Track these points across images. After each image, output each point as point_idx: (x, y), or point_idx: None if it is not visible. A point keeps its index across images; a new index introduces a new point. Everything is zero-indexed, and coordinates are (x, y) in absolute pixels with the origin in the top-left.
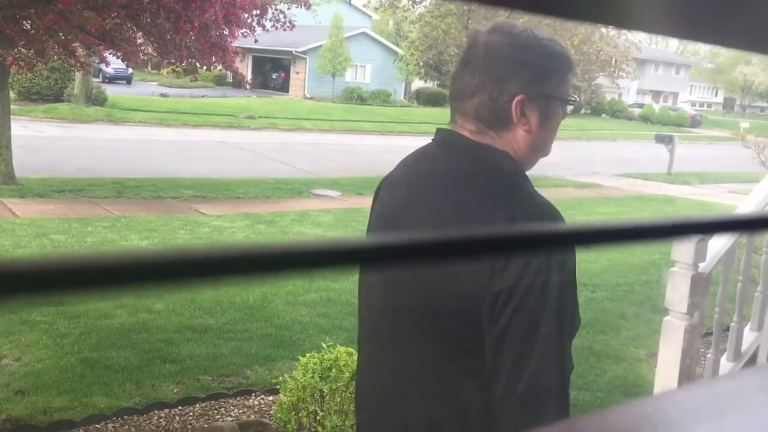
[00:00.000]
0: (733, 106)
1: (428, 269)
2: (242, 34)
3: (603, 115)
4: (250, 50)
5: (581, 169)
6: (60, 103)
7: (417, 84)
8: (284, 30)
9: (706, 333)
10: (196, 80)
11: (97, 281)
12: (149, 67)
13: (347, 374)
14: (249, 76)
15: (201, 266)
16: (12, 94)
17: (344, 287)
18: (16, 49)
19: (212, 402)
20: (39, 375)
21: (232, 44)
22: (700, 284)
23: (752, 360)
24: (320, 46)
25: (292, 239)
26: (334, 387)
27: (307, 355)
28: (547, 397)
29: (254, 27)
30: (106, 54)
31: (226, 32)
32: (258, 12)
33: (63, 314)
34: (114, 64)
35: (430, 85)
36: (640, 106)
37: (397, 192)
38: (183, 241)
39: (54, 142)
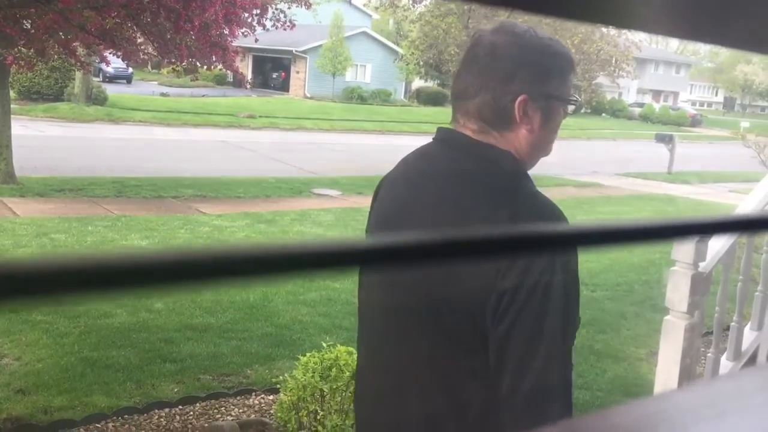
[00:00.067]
0: (733, 106)
1: (431, 269)
2: (242, 33)
3: (603, 114)
4: (250, 50)
5: (581, 169)
6: (60, 102)
7: (417, 83)
8: (284, 29)
9: (707, 332)
10: (197, 80)
11: (98, 282)
12: (149, 67)
13: (347, 373)
14: (249, 76)
15: (201, 267)
16: (12, 94)
17: (345, 287)
18: (16, 49)
19: (212, 401)
20: (39, 374)
21: (233, 44)
22: (700, 283)
23: (752, 359)
24: (320, 46)
25: (292, 239)
26: (334, 386)
27: (308, 354)
28: (552, 397)
29: (254, 26)
30: (107, 53)
31: (226, 31)
32: (258, 11)
33: (63, 314)
34: (114, 63)
35: (431, 84)
36: (641, 105)
37: (397, 191)
38: (183, 240)
39: (54, 142)
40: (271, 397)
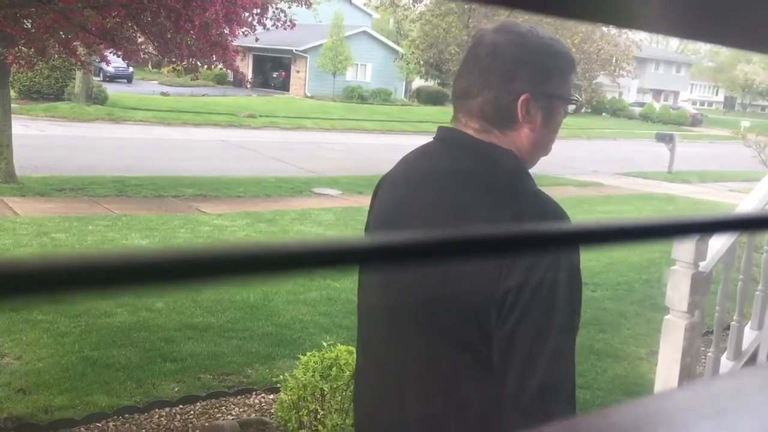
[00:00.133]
0: (733, 105)
1: (433, 268)
2: (243, 32)
3: (603, 113)
4: (250, 49)
5: (582, 168)
6: (61, 101)
7: (417, 83)
8: (285, 29)
9: (707, 332)
10: (197, 79)
11: (98, 281)
12: (150, 66)
13: (348, 373)
14: (249, 75)
15: (201, 266)
16: (13, 93)
17: (345, 286)
18: (16, 48)
19: (213, 400)
20: (40, 374)
21: (233, 43)
22: (700, 283)
23: (752, 359)
24: (321, 45)
25: (292, 238)
26: (334, 386)
27: (308, 353)
28: (558, 394)
29: (255, 26)
30: (107, 53)
31: (226, 31)
32: (258, 11)
33: (64, 313)
34: (115, 62)
35: (431, 83)
36: (641, 104)
37: (398, 190)
38: (183, 239)
39: (55, 141)
40: (271, 397)
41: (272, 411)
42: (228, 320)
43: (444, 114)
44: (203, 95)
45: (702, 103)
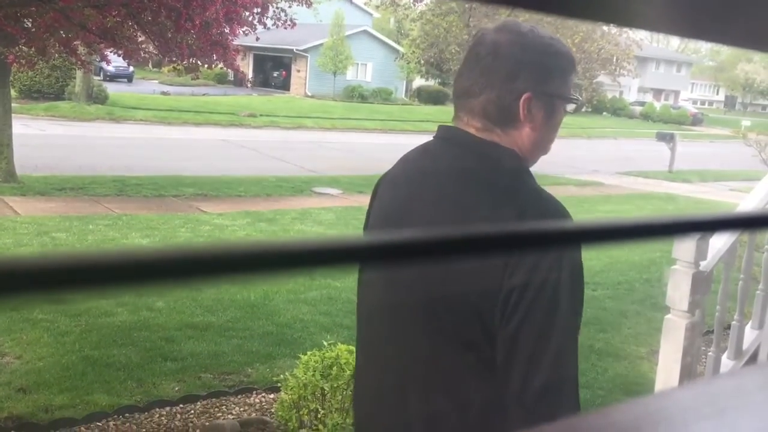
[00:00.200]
0: (734, 104)
1: (436, 267)
2: (243, 32)
3: (604, 113)
4: (251, 48)
5: (582, 168)
6: (61, 101)
7: (418, 82)
8: (285, 28)
9: (707, 331)
10: (197, 78)
11: (99, 279)
12: (150, 66)
13: (348, 372)
14: (250, 75)
15: (201, 265)
16: (13, 92)
17: (345, 285)
18: (17, 47)
19: (213, 400)
20: (40, 373)
21: (233, 42)
22: (701, 282)
23: (753, 358)
24: (321, 45)
25: (293, 237)
26: (335, 385)
27: (308, 353)
28: (562, 393)
29: (255, 25)
30: (107, 52)
31: (227, 30)
32: (259, 10)
33: (64, 312)
34: (115, 62)
35: (431, 83)
36: (642, 104)
37: (398, 189)
38: (184, 239)
39: (55, 140)
40: (272, 396)
41: (273, 410)
42: (228, 319)
43: (445, 113)
44: (204, 94)
45: (703, 103)
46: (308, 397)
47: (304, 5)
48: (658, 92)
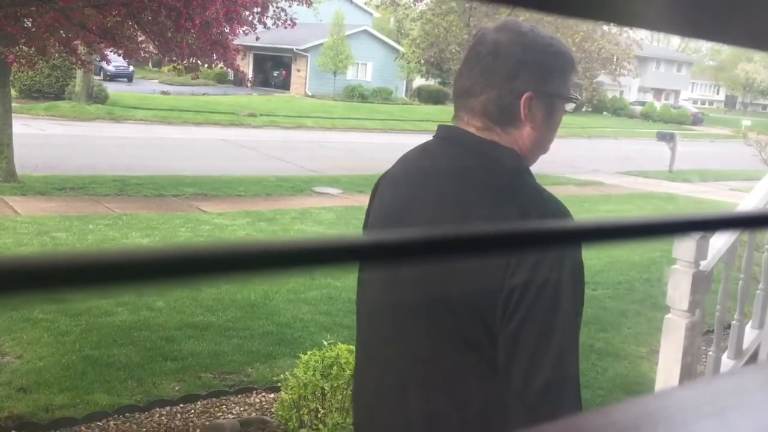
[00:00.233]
0: (734, 104)
1: (437, 266)
2: (243, 31)
3: (604, 112)
4: (251, 48)
5: (582, 167)
6: (61, 100)
7: (418, 82)
8: (285, 28)
9: (708, 331)
10: (198, 78)
11: (99, 279)
12: (150, 65)
13: (348, 372)
14: (250, 74)
15: (202, 264)
16: (13, 92)
17: (345, 285)
18: (17, 47)
19: (213, 399)
20: (41, 372)
21: (233, 42)
22: (701, 282)
23: (753, 358)
24: (321, 44)
25: (293, 237)
26: (335, 384)
27: (309, 352)
28: (563, 392)
29: (255, 24)
30: (108, 52)
31: (227, 30)
32: (259, 9)
33: (64, 312)
34: (115, 61)
35: (432, 82)
36: (642, 103)
37: (399, 189)
38: (184, 238)
39: (55, 140)
40: (272, 396)
41: (273, 410)
42: (228, 319)
43: (445, 113)
44: (204, 94)
45: (703, 102)
46: (308, 396)
47: (304, 5)
48: (658, 92)
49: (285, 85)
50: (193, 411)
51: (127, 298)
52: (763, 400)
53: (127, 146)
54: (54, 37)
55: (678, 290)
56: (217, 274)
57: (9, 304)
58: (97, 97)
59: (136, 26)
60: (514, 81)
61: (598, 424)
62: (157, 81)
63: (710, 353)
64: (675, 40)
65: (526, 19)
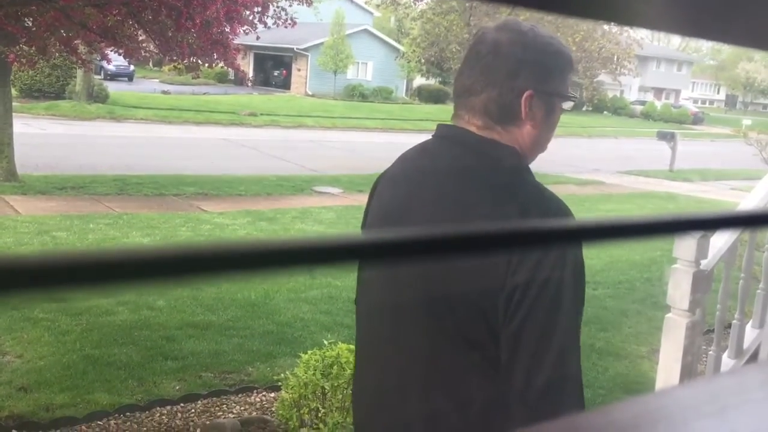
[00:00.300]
0: (735, 103)
1: (438, 265)
2: (244, 31)
3: (605, 112)
4: (251, 47)
5: (583, 167)
6: (62, 100)
7: (419, 81)
8: (286, 27)
9: (708, 330)
10: (198, 77)
11: (99, 278)
12: (151, 65)
13: (349, 371)
14: (250, 74)
15: (202, 263)
16: (14, 92)
17: (346, 284)
18: (17, 46)
19: (214, 399)
20: (41, 372)
21: (234, 41)
22: (701, 281)
23: (754, 357)
24: (322, 43)
25: (294, 236)
26: (335, 384)
27: (309, 352)
28: (565, 390)
29: (256, 24)
30: (108, 51)
31: (227, 29)
32: (259, 9)
33: (65, 311)
34: (115, 61)
35: (432, 82)
36: (642, 103)
37: (398, 188)
38: (184, 238)
39: (56, 139)
40: (272, 395)
41: (273, 409)
42: (229, 318)
43: (445, 112)
44: (204, 93)
45: (703, 102)
46: (309, 396)
47: (305, 4)
48: (658, 91)
49: (285, 84)
50: (193, 410)
51: (127, 297)
52: (763, 399)
53: (128, 145)
54: (54, 36)
55: (678, 289)
56: (217, 273)
57: (9, 303)
58: (98, 97)
59: (136, 25)
60: (515, 80)
61: (599, 423)
62: (157, 80)
63: (711, 352)
64: (675, 40)
65: (527, 18)
